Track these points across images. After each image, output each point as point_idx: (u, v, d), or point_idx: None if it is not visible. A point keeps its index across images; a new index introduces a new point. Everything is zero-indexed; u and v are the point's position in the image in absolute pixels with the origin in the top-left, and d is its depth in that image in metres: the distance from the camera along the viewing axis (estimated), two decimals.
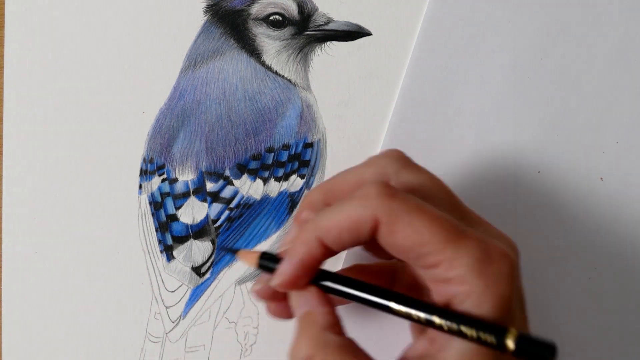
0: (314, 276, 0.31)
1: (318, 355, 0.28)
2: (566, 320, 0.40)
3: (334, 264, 0.40)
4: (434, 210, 0.28)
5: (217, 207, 0.41)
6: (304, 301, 0.31)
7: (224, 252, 0.41)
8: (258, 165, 0.41)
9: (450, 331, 0.27)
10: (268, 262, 0.32)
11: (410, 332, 0.33)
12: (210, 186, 0.41)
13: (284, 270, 0.30)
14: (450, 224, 0.28)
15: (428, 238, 0.28)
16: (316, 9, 0.42)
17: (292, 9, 0.42)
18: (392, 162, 0.31)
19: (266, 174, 0.41)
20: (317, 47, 0.42)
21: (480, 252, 0.28)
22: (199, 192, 0.41)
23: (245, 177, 0.41)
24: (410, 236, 0.28)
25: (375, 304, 0.29)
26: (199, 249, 0.41)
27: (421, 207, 0.28)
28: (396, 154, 0.32)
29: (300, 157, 0.41)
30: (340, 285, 0.30)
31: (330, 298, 0.31)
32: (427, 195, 0.30)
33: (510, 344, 0.27)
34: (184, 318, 0.41)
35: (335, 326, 0.30)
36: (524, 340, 0.27)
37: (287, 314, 0.33)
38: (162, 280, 0.41)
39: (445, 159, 0.41)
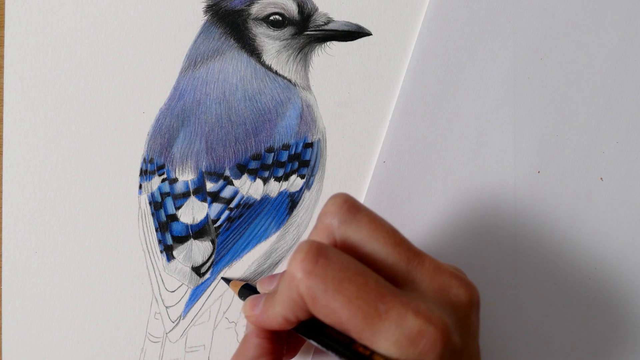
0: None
1: None
2: (566, 320, 0.40)
3: None
4: (352, 288, 0.28)
5: (217, 207, 0.41)
6: (248, 324, 0.34)
7: (224, 252, 0.41)
8: (258, 165, 0.41)
9: None
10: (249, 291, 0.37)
11: None
12: (210, 186, 0.41)
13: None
14: (367, 305, 0.27)
15: (346, 319, 0.28)
16: (316, 9, 0.42)
17: (292, 9, 0.42)
18: (334, 216, 0.31)
19: (266, 174, 0.41)
20: (317, 47, 0.42)
21: (400, 335, 0.27)
22: (199, 192, 0.41)
23: (245, 177, 0.41)
24: (329, 316, 0.28)
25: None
26: (199, 249, 0.41)
27: (338, 287, 0.28)
28: (339, 203, 0.31)
29: (300, 157, 0.41)
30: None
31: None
32: (368, 249, 0.30)
33: None
34: (184, 318, 0.41)
35: (262, 358, 0.33)
36: None
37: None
38: (162, 280, 0.41)
39: (445, 159, 0.41)
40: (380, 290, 0.28)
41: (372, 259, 0.30)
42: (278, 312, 0.30)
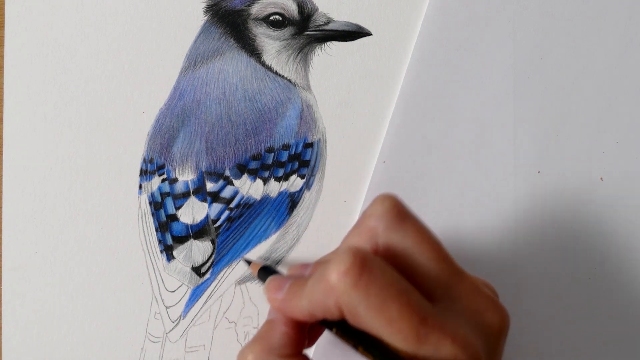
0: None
1: None
2: (566, 320, 0.40)
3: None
4: (395, 308, 0.27)
5: (217, 207, 0.41)
6: (272, 309, 0.32)
7: (224, 252, 0.41)
8: (258, 165, 0.41)
9: None
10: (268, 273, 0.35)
11: None
12: (210, 186, 0.41)
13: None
14: (408, 327, 0.27)
15: (384, 336, 0.28)
16: (316, 9, 0.42)
17: (292, 9, 0.42)
18: (380, 219, 0.30)
19: (266, 174, 0.41)
20: (317, 47, 0.42)
21: (436, 359, 0.27)
22: (199, 192, 0.41)
23: (245, 177, 0.41)
24: (367, 328, 0.28)
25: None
26: (199, 249, 0.41)
27: (381, 306, 0.27)
28: (386, 207, 0.30)
29: (300, 157, 0.41)
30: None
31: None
32: (411, 259, 0.30)
33: None
34: (184, 318, 0.41)
35: (285, 348, 0.31)
36: None
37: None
38: (162, 280, 0.41)
39: (445, 159, 0.41)
40: (421, 312, 0.28)
41: (414, 270, 0.29)
42: (305, 306, 0.30)
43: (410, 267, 0.29)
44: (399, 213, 0.30)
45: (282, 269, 0.38)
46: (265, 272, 0.37)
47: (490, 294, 0.30)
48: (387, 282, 0.28)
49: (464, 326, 0.28)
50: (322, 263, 0.31)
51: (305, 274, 0.33)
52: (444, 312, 0.29)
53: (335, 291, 0.28)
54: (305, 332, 0.33)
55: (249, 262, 0.40)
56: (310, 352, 0.39)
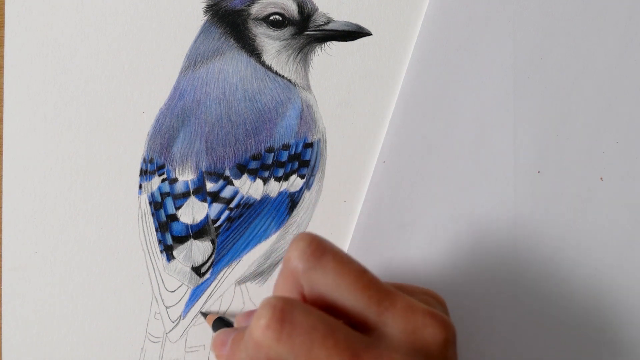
0: None
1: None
2: (566, 321, 0.40)
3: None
4: (322, 353, 0.27)
5: (217, 207, 0.41)
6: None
7: (224, 252, 0.41)
8: (258, 165, 0.41)
9: None
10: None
11: None
12: (210, 186, 0.41)
13: None
14: None
15: None
16: (316, 9, 0.42)
17: (292, 9, 0.42)
18: (299, 260, 0.29)
19: (266, 174, 0.41)
20: (317, 47, 0.42)
21: None
22: (199, 192, 0.41)
23: (245, 177, 0.41)
24: None
25: None
26: (199, 249, 0.41)
27: (308, 353, 0.27)
28: (302, 247, 0.29)
29: (300, 157, 0.41)
30: None
31: None
32: (336, 295, 0.29)
33: None
34: (184, 318, 0.41)
35: None
36: None
37: None
38: (162, 280, 0.41)
39: (445, 159, 0.41)
40: (351, 348, 0.27)
41: (342, 306, 0.29)
42: None
43: (338, 303, 0.29)
44: (316, 250, 0.29)
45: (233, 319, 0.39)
46: (219, 323, 0.38)
47: (426, 308, 0.29)
48: (310, 327, 0.27)
49: (400, 351, 0.28)
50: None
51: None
52: (378, 342, 0.28)
53: (262, 347, 0.27)
54: None
55: (205, 315, 0.40)
56: None
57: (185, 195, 0.41)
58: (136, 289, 0.41)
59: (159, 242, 0.41)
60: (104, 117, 0.42)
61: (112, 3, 0.42)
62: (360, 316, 0.29)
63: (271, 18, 0.42)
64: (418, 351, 0.28)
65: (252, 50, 0.42)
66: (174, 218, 0.41)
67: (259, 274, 0.41)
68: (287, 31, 0.42)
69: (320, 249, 0.29)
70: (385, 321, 0.29)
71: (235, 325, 0.36)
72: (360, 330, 0.29)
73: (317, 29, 0.42)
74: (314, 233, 0.30)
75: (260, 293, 0.41)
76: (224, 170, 0.41)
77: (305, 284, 0.29)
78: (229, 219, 0.41)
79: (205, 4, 0.42)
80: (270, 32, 0.42)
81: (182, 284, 0.41)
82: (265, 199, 0.41)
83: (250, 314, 0.35)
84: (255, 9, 0.42)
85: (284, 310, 0.27)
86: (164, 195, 0.41)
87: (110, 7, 0.42)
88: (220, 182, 0.41)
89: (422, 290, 0.32)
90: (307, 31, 0.42)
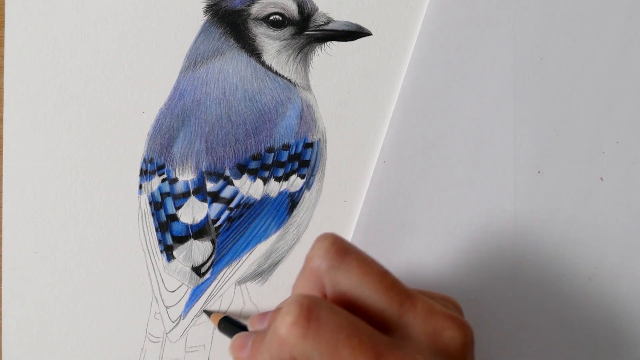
0: None
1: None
2: (566, 321, 0.40)
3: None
4: (347, 352, 0.27)
5: (217, 207, 0.41)
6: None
7: (224, 252, 0.41)
8: (258, 165, 0.41)
9: None
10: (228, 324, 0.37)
11: None
12: (210, 186, 0.41)
13: None
14: None
15: None
16: (316, 9, 0.42)
17: (292, 9, 0.42)
18: (323, 260, 0.29)
19: (266, 174, 0.41)
20: (317, 47, 0.42)
21: None
22: (199, 192, 0.41)
23: (245, 177, 0.41)
24: None
25: None
26: (199, 249, 0.41)
27: (333, 352, 0.27)
28: (326, 246, 0.30)
29: (300, 157, 0.41)
30: None
31: None
32: (358, 295, 0.29)
33: None
34: (184, 318, 0.41)
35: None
36: None
37: None
38: (162, 280, 0.41)
39: (445, 159, 0.41)
40: (375, 348, 0.27)
41: (364, 305, 0.29)
42: None
43: (360, 303, 0.29)
44: (339, 250, 0.29)
45: (244, 321, 0.39)
46: (226, 323, 0.38)
47: (446, 311, 0.30)
48: (336, 325, 0.27)
49: (422, 352, 0.28)
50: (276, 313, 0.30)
51: (264, 325, 0.33)
52: (400, 342, 0.28)
53: (287, 344, 0.27)
54: None
55: (209, 314, 0.40)
56: None
57: (185, 195, 0.41)
58: (136, 289, 0.41)
59: (159, 242, 0.41)
60: (104, 117, 0.42)
61: (112, 3, 0.42)
62: (381, 316, 0.29)
63: (271, 18, 0.42)
64: (439, 353, 0.29)
65: (252, 50, 0.42)
66: (174, 218, 0.41)
67: (259, 274, 0.41)
68: (287, 31, 0.42)
69: (343, 249, 0.30)
70: (406, 322, 0.29)
71: (249, 327, 0.36)
72: (381, 330, 0.29)
73: (317, 29, 0.42)
74: (337, 234, 0.30)
75: (260, 293, 0.41)
76: (224, 170, 0.41)
77: (328, 283, 0.29)
78: (229, 219, 0.41)
79: (205, 4, 0.42)
80: (270, 32, 0.42)
81: (182, 284, 0.41)
82: (265, 199, 0.41)
83: (264, 316, 0.35)
84: (255, 9, 0.42)
85: (311, 308, 0.27)
86: (164, 195, 0.41)
87: (110, 7, 0.42)
88: (220, 182, 0.41)
89: (439, 296, 0.33)
90: (307, 31, 0.42)
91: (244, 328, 0.38)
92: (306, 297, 0.28)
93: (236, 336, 0.33)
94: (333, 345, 0.27)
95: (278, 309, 0.30)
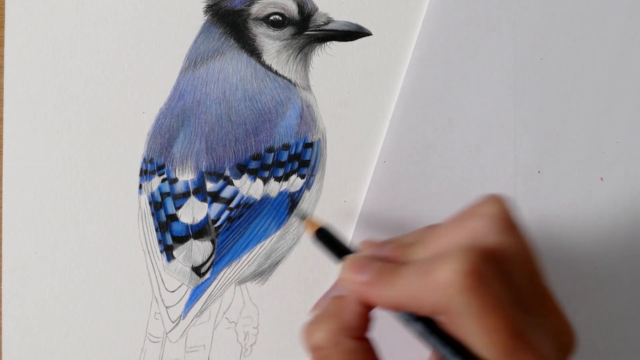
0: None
1: (329, 350, 0.29)
2: None
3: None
4: (500, 321, 0.26)
5: (217, 207, 0.41)
6: (345, 286, 0.30)
7: (224, 252, 0.41)
8: (258, 165, 0.41)
9: None
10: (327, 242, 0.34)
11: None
12: (210, 186, 0.41)
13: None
14: (504, 338, 0.26)
15: (477, 345, 0.26)
16: (316, 9, 0.42)
17: (292, 9, 0.42)
18: (492, 221, 0.28)
19: (266, 174, 0.41)
20: (317, 47, 0.42)
21: None
22: (199, 192, 0.41)
23: (245, 177, 0.41)
24: (466, 337, 0.26)
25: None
26: (199, 249, 0.41)
27: (485, 315, 0.26)
28: (498, 210, 0.29)
29: (300, 157, 0.41)
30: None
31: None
32: (514, 269, 0.28)
33: None
34: (184, 318, 0.41)
35: (356, 330, 0.29)
36: None
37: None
38: (162, 280, 0.41)
39: (445, 159, 0.41)
40: (517, 326, 0.26)
41: (514, 280, 0.28)
42: (393, 296, 0.28)
43: (511, 276, 0.28)
44: (511, 218, 0.29)
45: (355, 245, 0.35)
46: (324, 235, 0.34)
47: (567, 316, 0.29)
48: (495, 291, 0.26)
49: (549, 347, 0.27)
50: (426, 257, 0.29)
51: (382, 254, 0.31)
52: (534, 328, 0.27)
53: (447, 291, 0.26)
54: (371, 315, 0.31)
55: (303, 217, 0.38)
56: None
57: (185, 195, 0.41)
58: (136, 289, 0.41)
59: (159, 242, 0.41)
60: (104, 117, 0.42)
61: (112, 3, 0.42)
62: (524, 298, 0.28)
63: (271, 18, 0.42)
64: (558, 352, 0.28)
65: (252, 50, 0.42)
66: (174, 218, 0.41)
67: (259, 274, 0.41)
68: (287, 31, 0.42)
69: (514, 219, 0.29)
70: (542, 313, 0.28)
71: (364, 249, 0.32)
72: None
73: (317, 29, 0.42)
74: (508, 200, 0.29)
75: (260, 293, 0.41)
76: (224, 170, 0.41)
77: (491, 246, 0.28)
78: (229, 219, 0.41)
79: (205, 4, 0.42)
80: (270, 32, 0.42)
81: (182, 284, 0.41)
82: (265, 199, 0.41)
83: (380, 245, 0.32)
84: (255, 9, 0.42)
85: (483, 265, 0.26)
86: (164, 195, 0.41)
87: (110, 7, 0.42)
88: (220, 182, 0.41)
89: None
90: (307, 31, 0.42)
91: (341, 247, 0.34)
92: (480, 252, 0.27)
93: (354, 256, 0.31)
94: (487, 309, 0.26)
95: (438, 255, 0.28)
